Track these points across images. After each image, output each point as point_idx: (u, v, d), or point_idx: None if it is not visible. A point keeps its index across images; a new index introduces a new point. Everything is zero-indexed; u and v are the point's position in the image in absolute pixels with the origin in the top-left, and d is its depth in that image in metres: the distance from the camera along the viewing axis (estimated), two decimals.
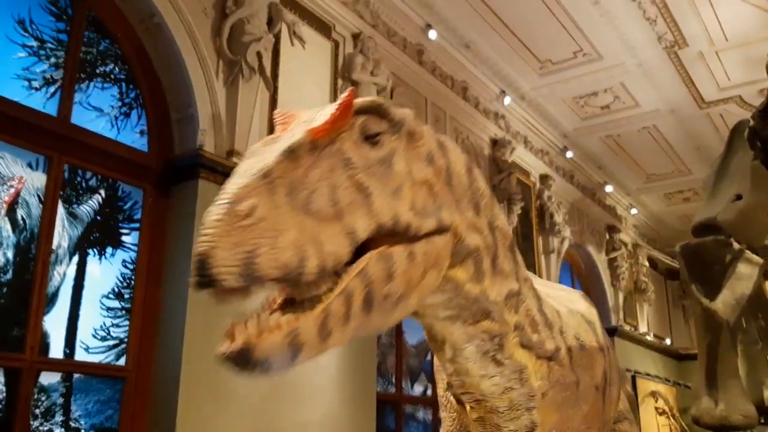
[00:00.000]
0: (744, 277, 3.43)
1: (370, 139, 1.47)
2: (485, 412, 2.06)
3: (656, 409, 13.81)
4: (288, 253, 1.21)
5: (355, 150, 1.43)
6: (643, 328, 14.06)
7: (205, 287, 1.17)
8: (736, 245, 3.57)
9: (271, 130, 6.02)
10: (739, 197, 3.41)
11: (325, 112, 1.40)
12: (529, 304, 2.05)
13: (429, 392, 8.19)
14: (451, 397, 2.29)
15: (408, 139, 1.59)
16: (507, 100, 9.57)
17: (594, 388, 2.32)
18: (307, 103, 6.55)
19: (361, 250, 1.40)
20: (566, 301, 2.52)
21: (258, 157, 1.33)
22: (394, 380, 7.63)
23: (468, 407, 2.12)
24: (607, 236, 13.38)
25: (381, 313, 1.42)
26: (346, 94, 1.42)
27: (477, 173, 1.87)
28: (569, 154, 11.42)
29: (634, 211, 14.32)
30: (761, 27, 8.02)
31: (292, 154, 1.32)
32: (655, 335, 14.53)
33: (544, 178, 10.92)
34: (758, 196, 3.32)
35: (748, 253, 3.51)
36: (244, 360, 1.21)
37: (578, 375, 2.24)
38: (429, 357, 8.29)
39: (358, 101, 1.48)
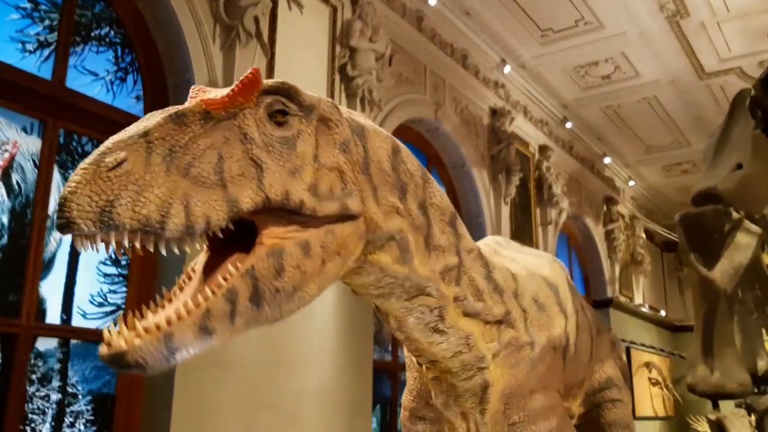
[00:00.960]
0: (742, 246, 3.42)
1: (275, 118, 1.47)
2: (440, 372, 2.12)
3: (650, 379, 13.95)
4: (150, 207, 1.22)
5: (256, 128, 1.43)
6: (638, 299, 14.15)
7: (63, 230, 1.21)
8: (735, 215, 3.57)
9: None
10: (739, 166, 3.39)
11: (230, 88, 1.43)
12: (472, 275, 2.07)
13: None
14: (413, 357, 2.32)
15: (321, 126, 1.58)
16: (507, 68, 9.48)
17: (552, 348, 2.34)
18: (305, 69, 6.48)
19: (254, 234, 1.41)
20: (531, 266, 2.53)
21: (147, 121, 1.33)
22: (390, 348, 7.68)
23: (424, 368, 2.18)
24: (605, 208, 13.38)
25: (274, 306, 1.42)
26: (249, 71, 1.43)
27: (406, 156, 1.86)
28: (569, 125, 11.37)
29: (632, 183, 14.31)
30: None
31: (178, 119, 1.34)
32: (650, 307, 14.62)
33: (543, 149, 10.87)
34: (758, 165, 3.30)
35: (747, 223, 3.51)
36: (119, 363, 1.24)
37: (533, 336, 2.27)
38: None
39: (269, 82, 1.49)
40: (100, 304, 4.85)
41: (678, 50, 9.38)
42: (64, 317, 4.66)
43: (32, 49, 4.69)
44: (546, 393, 2.26)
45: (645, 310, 14.25)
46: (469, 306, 2.03)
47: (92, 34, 5.12)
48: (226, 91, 1.43)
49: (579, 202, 12.33)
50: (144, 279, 5.08)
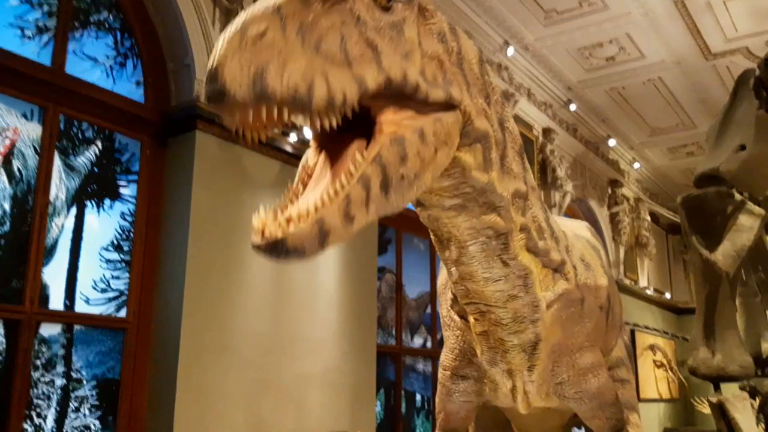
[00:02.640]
0: (745, 228, 3.39)
1: (382, 4, 1.48)
2: (489, 324, 2.06)
3: (654, 362, 13.98)
4: (297, 77, 1.23)
5: (366, 11, 1.43)
6: (643, 282, 14.12)
7: (216, 100, 1.20)
8: (738, 196, 3.54)
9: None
10: (743, 147, 3.36)
11: None
12: (536, 212, 2.06)
13: (429, 344, 8.27)
14: (455, 315, 2.30)
15: (420, 14, 1.60)
16: (510, 51, 9.40)
17: (599, 308, 2.32)
18: None
19: (371, 128, 1.44)
20: (572, 228, 2.56)
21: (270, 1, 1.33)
22: (394, 333, 7.69)
23: (472, 320, 2.12)
24: (610, 191, 13.33)
25: (399, 194, 1.44)
26: None
27: (488, 69, 1.88)
28: (573, 107, 11.29)
29: (637, 165, 14.23)
30: None
31: None
32: (655, 289, 14.60)
33: (547, 131, 10.81)
34: (762, 146, 3.27)
35: (750, 205, 3.47)
36: (278, 250, 1.25)
37: (583, 293, 2.25)
38: (428, 310, 8.34)
39: None
40: (103, 290, 4.86)
41: (683, 30, 9.28)
42: (68, 303, 4.67)
43: (31, 35, 4.67)
44: (593, 350, 2.24)
45: (650, 292, 14.24)
46: (532, 241, 2.01)
47: (91, 19, 5.09)
48: None
49: (583, 184, 12.28)
50: (147, 264, 5.09)
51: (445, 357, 2.39)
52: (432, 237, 1.99)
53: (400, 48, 1.47)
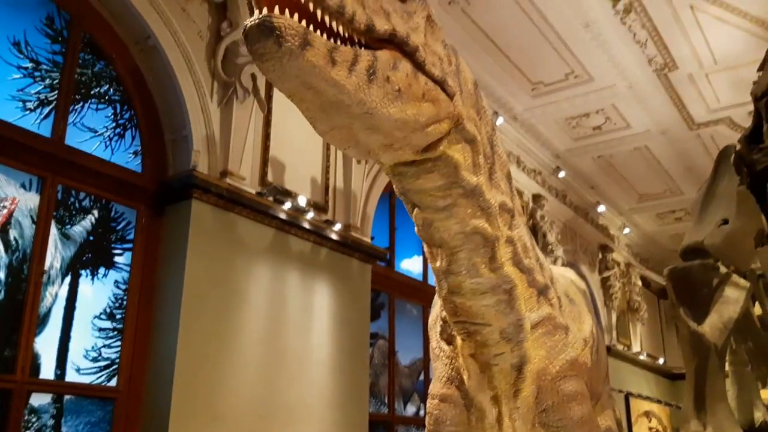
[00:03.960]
0: (731, 300, 3.46)
1: None
2: (476, 347, 2.14)
3: (650, 429, 13.79)
4: None
5: None
6: (636, 347, 14.07)
7: None
8: (723, 269, 3.61)
9: (264, 151, 6.06)
10: (725, 222, 3.45)
11: None
12: (522, 232, 2.16)
13: (422, 413, 8.17)
14: (443, 345, 2.35)
15: (428, 22, 1.83)
16: (500, 120, 9.64)
17: (583, 340, 2.34)
18: (302, 125, 6.58)
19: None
20: (558, 270, 2.62)
21: None
22: (386, 400, 7.62)
23: (460, 342, 2.19)
24: (600, 255, 13.43)
25: (381, 92, 1.58)
26: None
27: (482, 95, 2.07)
28: (562, 174, 11.50)
29: (626, 230, 14.38)
30: (749, 50, 8.12)
31: None
32: (648, 354, 14.54)
33: (536, 197, 10.97)
34: (744, 221, 3.36)
35: (735, 277, 3.55)
36: (265, 26, 1.40)
37: (567, 322, 2.29)
38: (421, 377, 8.28)
39: None
40: (95, 359, 4.84)
41: (667, 101, 9.57)
42: (58, 372, 4.65)
43: (32, 107, 4.79)
44: (577, 380, 2.25)
45: (643, 357, 14.17)
46: (518, 256, 2.10)
47: (92, 92, 5.23)
48: None
49: (574, 249, 12.38)
50: (139, 333, 5.09)
51: (434, 386, 2.42)
52: (425, 248, 2.10)
53: (409, 23, 1.72)
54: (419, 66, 1.70)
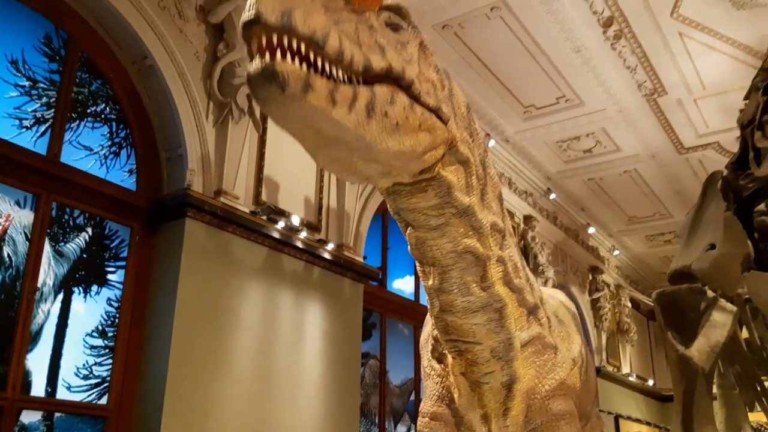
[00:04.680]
0: (718, 325, 3.50)
1: (392, 26, 1.79)
2: (467, 365, 2.16)
3: None
4: (318, 25, 1.48)
5: (379, 25, 1.73)
6: (625, 369, 14.10)
7: (250, 24, 1.43)
8: (710, 293, 3.67)
9: (259, 170, 6.11)
10: (712, 247, 3.50)
11: None
12: (513, 252, 2.21)
13: None
14: (435, 363, 2.38)
15: (421, 48, 1.89)
16: (492, 142, 9.74)
17: (572, 360, 2.37)
18: (296, 146, 6.63)
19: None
20: (548, 292, 2.67)
21: None
22: (377, 420, 7.61)
23: (450, 360, 2.22)
24: (590, 277, 13.50)
25: (379, 127, 1.63)
26: None
27: (474, 117, 2.12)
28: (552, 196, 11.60)
29: (616, 252, 14.48)
30: (737, 77, 8.26)
31: None
32: (638, 376, 14.57)
33: (528, 219, 11.05)
34: (730, 246, 3.41)
35: (723, 302, 3.59)
36: (268, 72, 1.43)
37: (556, 342, 2.33)
38: (412, 397, 8.28)
39: (387, 1, 1.83)
40: (86, 377, 4.84)
41: (657, 126, 9.69)
42: (49, 390, 4.64)
43: (29, 125, 4.83)
44: (566, 399, 2.27)
45: (632, 379, 14.20)
46: (508, 276, 2.14)
47: (88, 110, 5.28)
48: None
49: (564, 271, 12.45)
50: (131, 350, 5.09)
51: (424, 404, 2.45)
52: (417, 267, 2.14)
53: (403, 55, 1.76)
54: (415, 98, 1.74)
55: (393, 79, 1.68)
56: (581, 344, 2.53)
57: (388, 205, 2.06)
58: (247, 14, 1.44)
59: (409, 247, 2.10)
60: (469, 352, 2.14)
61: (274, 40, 1.45)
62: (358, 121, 1.57)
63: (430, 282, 2.09)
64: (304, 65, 1.47)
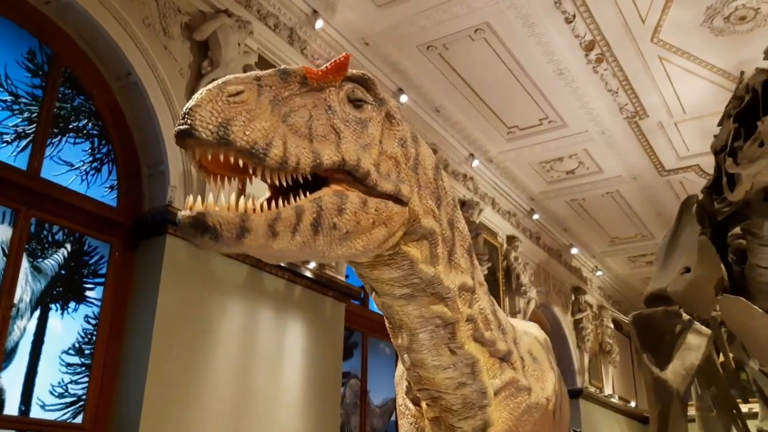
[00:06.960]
0: (693, 347, 3.54)
1: (354, 102, 1.72)
2: (441, 411, 2.17)
3: None
4: (259, 134, 1.41)
5: (338, 103, 1.67)
6: (608, 390, 14.12)
7: (182, 136, 1.36)
8: (685, 316, 3.70)
9: (241, 187, 6.10)
10: (687, 270, 3.54)
11: (324, 65, 1.68)
12: (483, 304, 2.19)
13: None
14: (409, 403, 2.38)
15: (387, 119, 1.84)
16: (475, 162, 9.81)
17: (545, 399, 2.41)
18: None
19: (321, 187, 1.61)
20: (521, 326, 2.68)
21: (258, 72, 1.55)
22: None
23: (425, 406, 2.22)
24: (573, 297, 13.55)
25: (326, 240, 1.57)
26: (342, 56, 1.68)
27: (443, 175, 2.09)
28: (535, 217, 11.67)
29: (599, 273, 14.56)
30: (716, 101, 8.38)
31: (284, 75, 1.56)
32: (620, 397, 14.59)
33: (510, 239, 11.11)
34: (705, 269, 3.45)
35: (697, 325, 3.63)
36: (197, 224, 1.37)
37: (530, 383, 2.35)
38: (393, 417, 8.24)
39: (353, 71, 1.75)
40: (61, 395, 4.78)
41: (638, 148, 9.81)
42: (23, 408, 4.58)
43: (9, 140, 4.80)
44: None
45: (615, 400, 14.21)
46: (479, 332, 2.13)
47: (70, 126, 5.26)
48: (321, 68, 1.67)
49: (547, 291, 12.49)
50: (107, 368, 5.03)
51: None
52: (386, 323, 2.13)
53: (361, 140, 1.69)
54: (371, 188, 1.68)
55: (347, 171, 1.63)
56: (555, 380, 2.56)
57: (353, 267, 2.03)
58: (180, 124, 1.36)
59: (375, 303, 2.08)
60: (443, 399, 2.14)
61: (209, 156, 1.39)
62: (304, 241, 1.52)
63: (399, 341, 2.09)
64: (240, 208, 1.41)
